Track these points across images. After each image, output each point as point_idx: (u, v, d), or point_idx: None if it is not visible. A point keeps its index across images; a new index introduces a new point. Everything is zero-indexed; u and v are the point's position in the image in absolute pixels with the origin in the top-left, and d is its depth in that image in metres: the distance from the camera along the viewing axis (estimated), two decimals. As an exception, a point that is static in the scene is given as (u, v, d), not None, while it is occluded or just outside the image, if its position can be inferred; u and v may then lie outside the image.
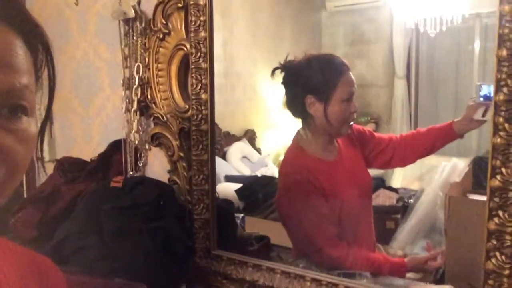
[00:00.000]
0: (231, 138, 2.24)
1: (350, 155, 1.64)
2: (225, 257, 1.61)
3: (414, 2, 1.87)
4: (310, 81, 1.59)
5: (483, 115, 1.36)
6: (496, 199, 1.14)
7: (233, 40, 2.20)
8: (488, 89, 1.17)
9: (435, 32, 1.75)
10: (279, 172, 1.77)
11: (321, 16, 2.03)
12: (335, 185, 1.61)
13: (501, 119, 1.12)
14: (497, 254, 1.15)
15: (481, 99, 1.36)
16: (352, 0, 2.06)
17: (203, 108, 1.59)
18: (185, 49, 1.62)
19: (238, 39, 2.23)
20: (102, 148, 1.89)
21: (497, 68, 1.12)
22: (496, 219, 1.14)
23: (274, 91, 1.78)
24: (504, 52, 1.10)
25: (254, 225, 1.84)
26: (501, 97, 1.11)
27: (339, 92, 1.54)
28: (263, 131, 2.25)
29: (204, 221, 1.63)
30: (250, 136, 2.26)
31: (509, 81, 1.10)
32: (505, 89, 1.10)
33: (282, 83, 1.62)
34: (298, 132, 1.64)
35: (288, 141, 1.68)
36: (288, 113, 1.65)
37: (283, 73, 1.61)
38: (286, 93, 1.64)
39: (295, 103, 1.62)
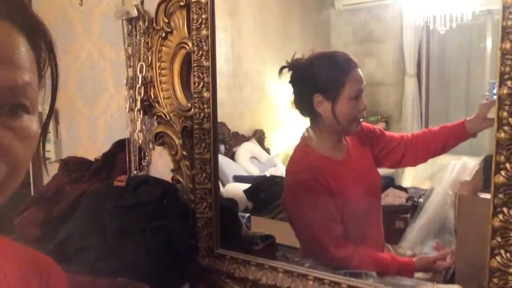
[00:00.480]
0: (240, 139, 2.23)
1: (359, 153, 1.62)
2: (228, 256, 1.60)
3: (423, -1, 1.85)
4: (318, 79, 1.57)
5: None
6: (501, 196, 1.12)
7: (241, 40, 2.19)
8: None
9: (445, 29, 1.73)
10: (286, 171, 1.75)
11: (330, 14, 2.02)
12: (343, 184, 1.59)
13: (505, 114, 1.10)
14: (502, 251, 1.13)
15: (495, 97, 1.32)
16: (361, -1, 2.05)
17: (205, 106, 1.58)
18: (187, 47, 1.61)
19: (246, 38, 2.22)
20: (107, 147, 1.89)
21: (500, 61, 1.09)
22: (500, 216, 1.12)
23: (283, 90, 1.77)
24: (508, 45, 1.08)
25: (261, 225, 1.82)
26: (505, 91, 1.09)
27: (347, 89, 1.52)
28: (272, 131, 2.24)
29: (207, 220, 1.62)
30: (259, 136, 2.25)
31: (513, 74, 1.08)
32: (509, 83, 1.09)
33: (290, 82, 1.61)
34: (306, 131, 1.63)
35: (297, 141, 1.66)
36: (296, 112, 1.64)
37: (290, 72, 1.60)
38: (294, 92, 1.63)
39: (303, 102, 1.61)
